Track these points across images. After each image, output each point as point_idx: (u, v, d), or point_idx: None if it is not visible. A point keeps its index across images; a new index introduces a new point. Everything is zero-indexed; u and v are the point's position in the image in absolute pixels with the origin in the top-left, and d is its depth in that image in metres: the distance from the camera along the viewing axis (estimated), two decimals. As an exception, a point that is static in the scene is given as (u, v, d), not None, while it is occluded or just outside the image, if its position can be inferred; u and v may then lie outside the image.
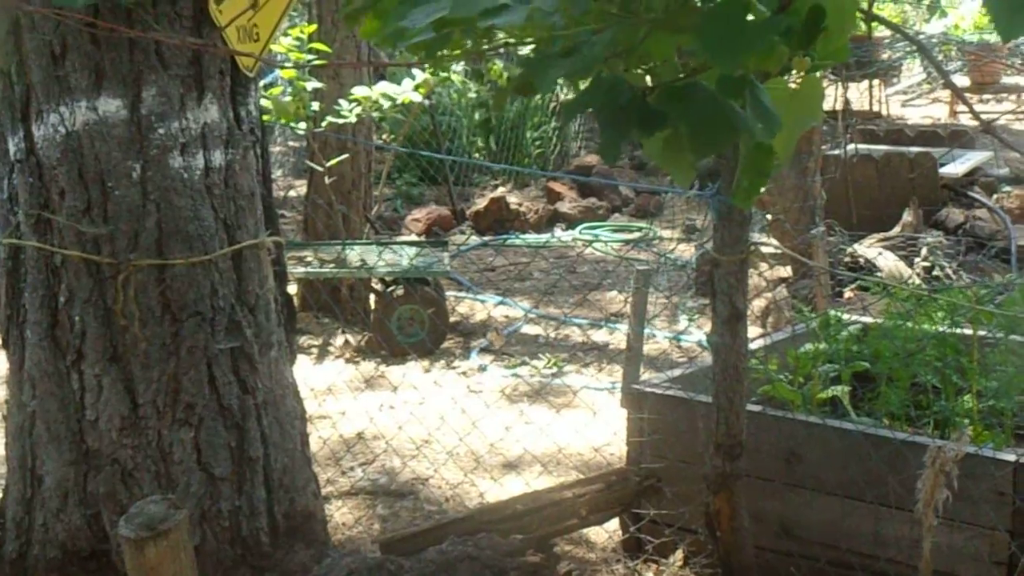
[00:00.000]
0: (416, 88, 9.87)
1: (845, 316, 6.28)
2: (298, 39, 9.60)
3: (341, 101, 9.72)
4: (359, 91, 9.69)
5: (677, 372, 5.71)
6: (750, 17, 2.12)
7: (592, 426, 7.01)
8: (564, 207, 14.92)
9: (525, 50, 2.35)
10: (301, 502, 5.06)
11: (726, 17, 2.03)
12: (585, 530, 5.60)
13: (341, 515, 6.17)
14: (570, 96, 15.52)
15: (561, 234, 14.16)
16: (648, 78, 2.34)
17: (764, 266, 9.26)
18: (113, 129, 4.50)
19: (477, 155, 16.84)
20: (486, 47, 2.36)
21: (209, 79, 4.64)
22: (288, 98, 9.52)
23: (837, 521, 4.97)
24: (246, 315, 4.80)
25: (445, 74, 10.39)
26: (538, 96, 17.19)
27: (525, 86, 2.24)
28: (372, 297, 9.94)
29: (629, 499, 5.13)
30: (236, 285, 4.78)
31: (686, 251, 12.44)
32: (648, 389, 5.45)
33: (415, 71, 10.16)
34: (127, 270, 4.54)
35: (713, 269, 4.45)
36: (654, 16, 2.07)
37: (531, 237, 13.91)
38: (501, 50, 2.58)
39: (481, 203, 14.71)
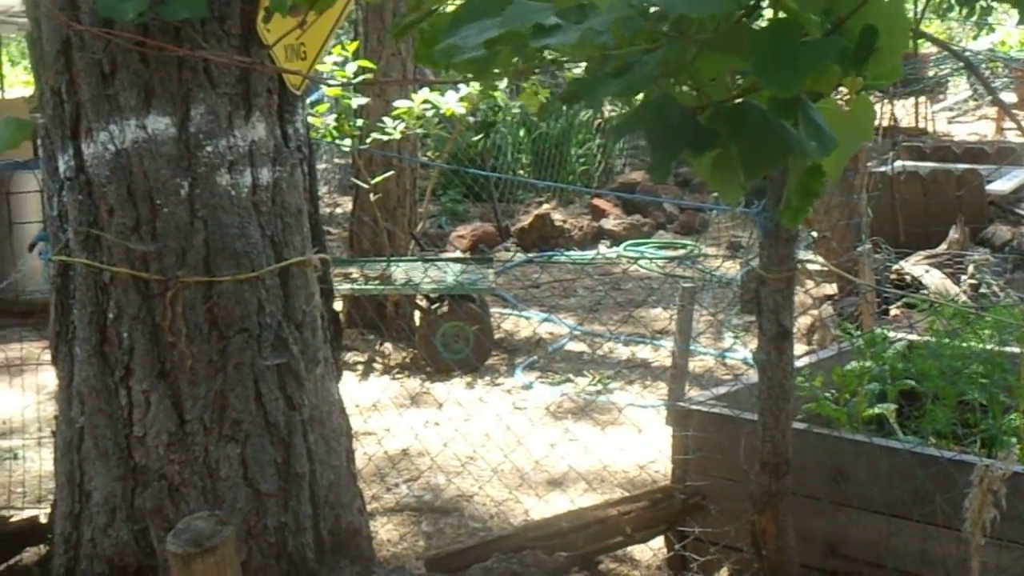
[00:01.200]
0: (460, 100, 9.87)
1: (891, 334, 6.24)
2: (342, 55, 9.63)
3: (385, 118, 9.74)
4: (402, 104, 9.70)
5: (722, 390, 5.69)
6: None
7: (637, 443, 7.00)
8: (609, 224, 14.92)
9: (577, 69, 2.36)
10: (347, 518, 5.06)
11: (778, 40, 2.03)
12: (630, 548, 5.59)
13: (386, 531, 6.18)
14: (616, 113, 15.56)
15: (606, 251, 14.15)
16: (697, 96, 2.34)
17: (810, 283, 9.23)
18: (162, 147, 4.52)
19: (521, 172, 16.86)
20: (536, 65, 2.36)
21: (257, 97, 4.66)
22: (332, 116, 9.55)
23: (883, 540, 4.94)
24: (292, 332, 4.81)
25: (492, 91, 10.37)
26: (583, 113, 17.26)
27: (571, 96, 2.23)
28: (417, 314, 9.96)
29: (674, 517, 5.12)
30: (283, 302, 4.79)
31: (731, 268, 12.41)
32: (693, 407, 5.43)
33: (460, 86, 10.18)
34: (175, 287, 4.57)
35: (759, 287, 4.44)
36: (705, 36, 2.07)
37: (576, 254, 13.90)
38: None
39: (526, 220, 14.73)
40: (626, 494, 5.98)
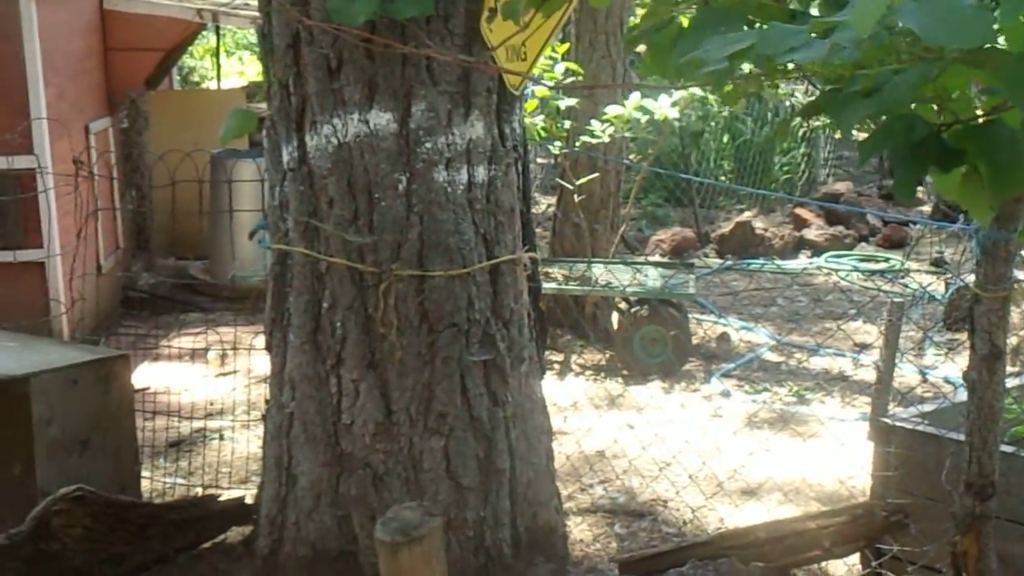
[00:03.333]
0: (673, 104, 9.84)
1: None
2: (551, 58, 9.68)
3: (594, 121, 9.77)
4: (612, 110, 9.72)
5: (928, 407, 5.59)
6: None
7: (835, 457, 6.92)
8: (810, 234, 14.75)
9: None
10: (544, 516, 5.11)
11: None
12: (824, 562, 5.53)
13: (579, 531, 6.21)
14: (821, 123, 15.36)
15: (806, 262, 13.99)
16: (939, 112, 2.32)
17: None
18: (382, 142, 4.62)
19: (723, 178, 16.77)
20: (777, 79, 2.37)
21: (476, 96, 4.73)
22: (540, 116, 9.61)
23: (1088, 569, 4.82)
24: (500, 329, 4.87)
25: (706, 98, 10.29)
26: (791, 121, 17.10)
27: (812, 112, 2.23)
28: (615, 316, 9.97)
29: (875, 534, 5.04)
30: (492, 299, 4.85)
31: (932, 284, 12.17)
32: (897, 423, 5.35)
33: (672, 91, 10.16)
34: (389, 279, 4.66)
35: (974, 305, 4.35)
36: (954, 56, 2.04)
37: (779, 263, 13.76)
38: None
39: (726, 227, 14.64)
40: (822, 507, 5.92)
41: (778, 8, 2.47)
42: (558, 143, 9.89)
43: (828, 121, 15.31)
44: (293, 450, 4.94)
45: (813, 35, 2.04)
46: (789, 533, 4.97)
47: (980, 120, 2.21)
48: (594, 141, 9.71)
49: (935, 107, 2.33)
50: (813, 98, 2.43)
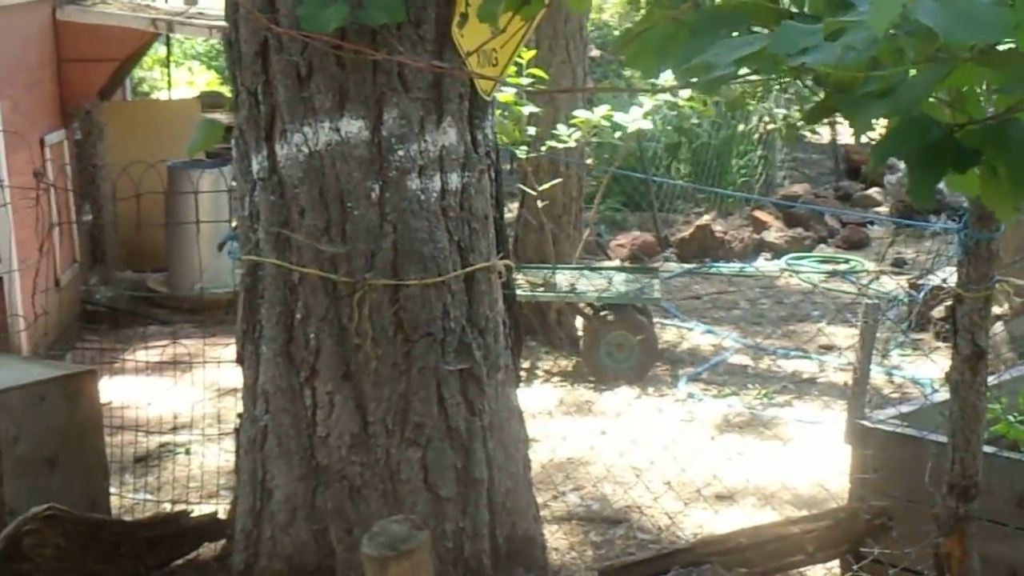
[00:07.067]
0: (646, 116, 9.81)
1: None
2: (516, 63, 9.61)
3: (560, 126, 9.73)
4: (581, 114, 9.68)
5: (905, 408, 5.58)
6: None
7: (810, 460, 6.90)
8: (770, 236, 14.76)
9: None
10: (522, 525, 5.06)
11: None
12: (804, 567, 5.50)
13: (555, 540, 6.16)
14: (780, 123, 15.39)
15: (766, 264, 13.99)
16: (951, 112, 2.28)
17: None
18: (354, 150, 4.56)
19: (681, 182, 16.77)
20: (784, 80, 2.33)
21: (448, 102, 4.67)
22: (506, 122, 9.55)
23: (1070, 569, 4.81)
24: (476, 337, 4.82)
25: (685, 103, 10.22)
26: (744, 124, 17.14)
27: (819, 115, 2.19)
28: (580, 322, 9.93)
29: (858, 537, 5.01)
30: (467, 307, 4.80)
31: (891, 284, 12.20)
32: (875, 425, 5.33)
33: (641, 98, 10.12)
34: (363, 289, 4.60)
35: (956, 305, 4.33)
36: (968, 56, 2.01)
37: (744, 266, 13.73)
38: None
39: (686, 230, 14.63)
40: (798, 511, 5.90)
41: (772, 9, 2.43)
42: (524, 148, 9.84)
43: (785, 125, 15.38)
44: (268, 464, 4.87)
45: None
46: (771, 538, 4.93)
47: (995, 121, 2.18)
48: (561, 146, 9.67)
49: (946, 108, 2.30)
50: (814, 101, 2.39)
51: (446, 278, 4.70)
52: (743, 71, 2.34)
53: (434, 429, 4.73)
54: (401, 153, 4.59)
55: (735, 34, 2.34)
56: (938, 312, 10.34)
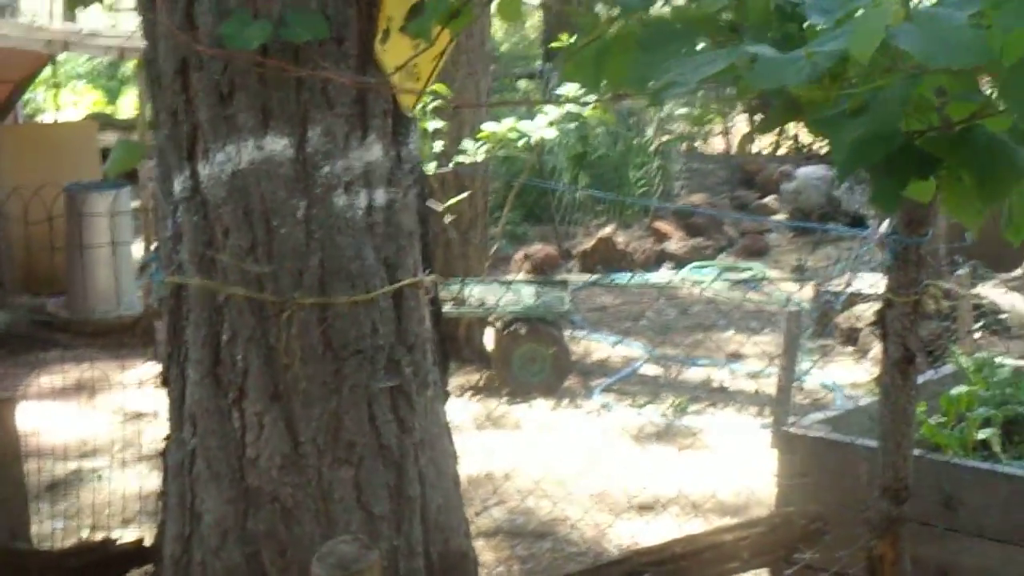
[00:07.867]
0: (550, 125, 9.81)
1: (998, 359, 6.17)
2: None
3: (467, 141, 9.72)
4: (488, 127, 9.67)
5: (830, 413, 5.63)
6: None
7: (729, 467, 6.94)
8: (671, 246, 14.89)
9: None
10: (455, 541, 5.02)
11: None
12: None
13: (482, 555, 6.14)
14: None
15: (670, 274, 14.08)
16: (908, 118, 2.29)
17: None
18: (279, 168, 4.49)
19: (589, 190, 16.84)
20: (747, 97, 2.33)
21: (373, 118, 4.63)
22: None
23: (997, 568, 4.88)
24: (405, 354, 4.77)
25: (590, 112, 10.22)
26: (639, 137, 17.27)
27: (775, 122, 2.20)
28: (490, 336, 9.93)
29: (794, 543, 5.04)
30: (396, 324, 4.75)
31: (795, 291, 12.34)
32: (801, 431, 5.37)
33: (547, 108, 10.12)
34: (290, 308, 4.53)
35: (885, 310, 4.39)
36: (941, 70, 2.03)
37: (648, 276, 13.80)
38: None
39: (589, 242, 14.70)
40: (724, 518, 5.93)
41: (722, 25, 2.44)
42: (433, 163, 9.81)
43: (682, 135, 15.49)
44: (196, 487, 4.78)
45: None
46: (706, 547, 4.94)
47: (957, 128, 2.20)
48: (469, 161, 9.66)
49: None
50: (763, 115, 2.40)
51: (374, 295, 4.65)
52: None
53: (366, 448, 4.68)
54: (326, 170, 4.53)
55: (683, 51, 2.35)
56: (844, 319, 10.48)
